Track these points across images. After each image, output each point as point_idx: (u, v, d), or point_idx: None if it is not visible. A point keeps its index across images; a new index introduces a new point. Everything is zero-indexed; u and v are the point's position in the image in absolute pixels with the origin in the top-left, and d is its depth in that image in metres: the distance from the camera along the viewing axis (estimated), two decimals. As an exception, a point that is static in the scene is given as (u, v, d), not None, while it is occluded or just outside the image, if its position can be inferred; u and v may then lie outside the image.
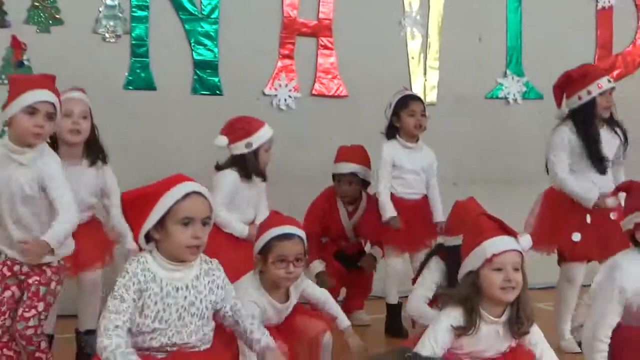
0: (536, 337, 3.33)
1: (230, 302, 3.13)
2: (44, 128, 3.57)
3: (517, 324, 3.22)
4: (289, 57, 6.23)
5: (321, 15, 6.37)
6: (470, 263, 3.21)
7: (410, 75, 6.54)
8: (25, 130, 3.55)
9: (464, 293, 3.19)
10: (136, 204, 2.96)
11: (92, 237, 4.17)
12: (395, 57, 6.51)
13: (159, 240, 2.96)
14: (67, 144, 4.15)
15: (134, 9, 5.81)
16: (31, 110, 3.55)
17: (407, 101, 5.16)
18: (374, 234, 5.32)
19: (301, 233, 3.68)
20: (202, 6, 6.01)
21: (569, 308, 4.72)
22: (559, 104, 4.87)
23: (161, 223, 2.93)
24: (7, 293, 3.61)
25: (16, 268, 3.61)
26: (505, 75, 6.82)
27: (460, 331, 3.18)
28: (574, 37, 6.94)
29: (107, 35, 5.70)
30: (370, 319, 5.40)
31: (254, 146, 4.67)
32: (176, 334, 2.96)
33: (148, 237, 2.97)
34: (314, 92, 6.29)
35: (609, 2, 7.06)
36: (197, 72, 5.99)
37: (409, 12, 6.60)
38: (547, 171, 4.82)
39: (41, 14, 5.54)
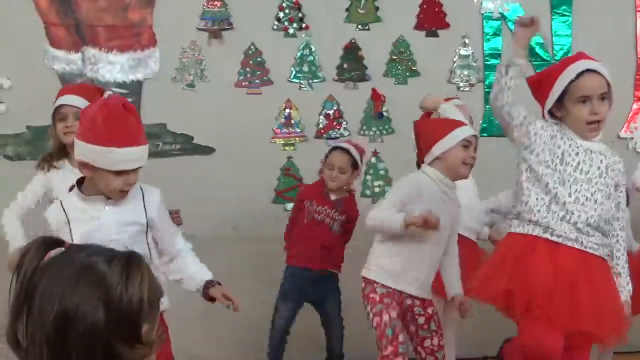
0: None
1: None
2: None
3: None
4: (645, 98, 5.93)
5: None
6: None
7: None
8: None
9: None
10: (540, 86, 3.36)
11: None
12: None
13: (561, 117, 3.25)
14: None
15: (486, 58, 5.92)
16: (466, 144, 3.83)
17: None
18: None
19: None
20: (554, 51, 5.84)
21: None
22: None
23: (560, 101, 3.24)
24: None
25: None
26: None
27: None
28: None
29: (461, 84, 5.88)
30: None
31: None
32: None
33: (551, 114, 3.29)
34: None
35: None
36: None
37: None
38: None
39: (399, 67, 5.81)
